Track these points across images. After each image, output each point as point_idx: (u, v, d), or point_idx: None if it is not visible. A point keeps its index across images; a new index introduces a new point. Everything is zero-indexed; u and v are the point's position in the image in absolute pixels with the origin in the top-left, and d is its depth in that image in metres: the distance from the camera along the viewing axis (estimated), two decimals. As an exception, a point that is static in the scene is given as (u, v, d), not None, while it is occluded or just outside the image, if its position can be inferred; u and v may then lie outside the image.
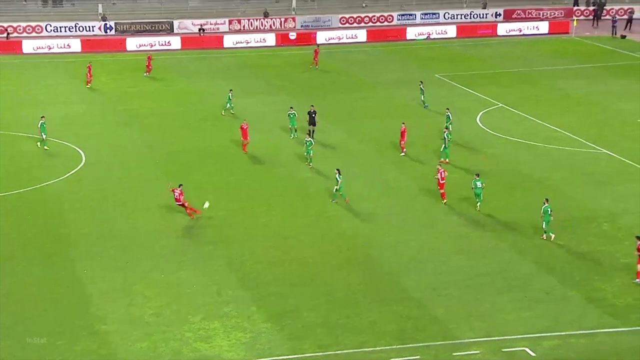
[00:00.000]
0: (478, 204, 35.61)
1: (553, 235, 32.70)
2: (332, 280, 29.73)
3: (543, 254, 31.58)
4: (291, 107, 45.73)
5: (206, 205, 34.85)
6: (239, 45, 71.15)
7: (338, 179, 36.22)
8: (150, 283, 29.56)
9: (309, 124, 44.31)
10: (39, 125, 43.12)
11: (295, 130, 44.85)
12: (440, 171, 36.43)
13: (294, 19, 77.75)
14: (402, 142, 42.04)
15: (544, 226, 32.76)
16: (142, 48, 69.20)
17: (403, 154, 42.07)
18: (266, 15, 78.17)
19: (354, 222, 34.72)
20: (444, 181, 36.23)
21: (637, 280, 29.06)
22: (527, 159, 41.70)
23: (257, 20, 77.13)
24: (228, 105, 49.80)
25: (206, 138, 45.89)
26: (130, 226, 34.41)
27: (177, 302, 28.24)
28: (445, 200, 36.28)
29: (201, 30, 74.10)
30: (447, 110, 45.20)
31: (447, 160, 40.68)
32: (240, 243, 32.80)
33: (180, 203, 34.97)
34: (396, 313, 27.47)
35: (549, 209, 32.60)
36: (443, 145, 41.26)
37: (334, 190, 36.44)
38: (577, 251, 31.76)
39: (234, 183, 39.33)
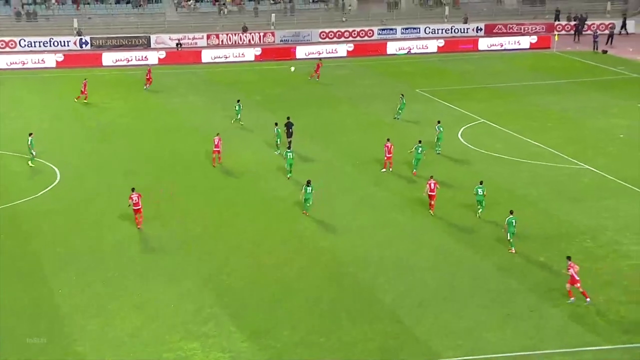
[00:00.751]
0: (479, 211, 36.24)
1: (514, 249, 33.12)
2: (311, 298, 29.79)
3: (525, 270, 31.80)
4: (276, 123, 46.09)
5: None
6: (217, 60, 71.31)
7: (306, 189, 36.61)
8: (127, 301, 29.48)
9: (287, 137, 45.27)
10: (28, 143, 42.93)
11: (278, 147, 45.03)
12: (429, 183, 36.91)
13: (273, 34, 78.04)
14: (387, 159, 42.28)
15: (508, 237, 33.20)
16: (118, 63, 69.22)
17: (384, 170, 42.32)
18: (245, 30, 78.41)
19: (334, 238, 34.84)
20: (434, 192, 36.73)
21: (571, 299, 29.22)
22: (508, 175, 42.02)
23: (235, 34, 77.37)
24: (239, 115, 50.75)
25: (183, 153, 45.90)
26: (106, 243, 34.32)
27: (154, 321, 28.18)
28: (432, 212, 36.85)
29: (179, 45, 74.21)
30: (437, 123, 45.84)
31: (415, 172, 41.62)
32: (218, 260, 32.81)
33: (139, 207, 35.05)
34: (376, 330, 27.55)
35: (514, 221, 33.08)
36: (415, 159, 41.92)
37: (304, 202, 36.87)
38: (559, 268, 31.96)
39: (211, 198, 39.36)
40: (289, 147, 42.44)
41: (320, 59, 67.19)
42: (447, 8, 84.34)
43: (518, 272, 31.71)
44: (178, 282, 30.97)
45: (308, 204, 37.00)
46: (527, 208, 37.76)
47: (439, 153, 45.01)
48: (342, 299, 29.73)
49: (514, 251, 33.17)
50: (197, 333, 27.42)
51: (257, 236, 35.07)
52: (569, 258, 29.75)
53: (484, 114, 52.94)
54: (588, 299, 29.06)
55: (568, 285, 29.33)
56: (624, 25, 78.87)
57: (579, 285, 29.08)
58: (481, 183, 36.97)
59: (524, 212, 37.26)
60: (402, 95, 52.95)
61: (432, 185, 36.85)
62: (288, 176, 41.48)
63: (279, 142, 45.28)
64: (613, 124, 51.21)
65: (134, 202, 35.38)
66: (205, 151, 45.27)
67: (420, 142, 41.71)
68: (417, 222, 36.39)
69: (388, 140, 42.62)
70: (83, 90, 56.80)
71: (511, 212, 33.51)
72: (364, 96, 58.88)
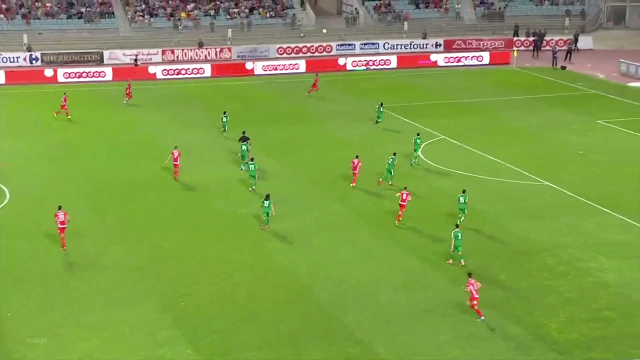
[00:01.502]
0: (460, 219, 37.06)
1: (463, 261, 33.72)
2: (272, 318, 29.72)
3: (485, 289, 31.99)
4: (247, 139, 46.37)
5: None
6: (173, 76, 71.15)
7: (264, 203, 36.92)
8: (79, 324, 29.14)
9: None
10: None
11: (246, 163, 45.04)
12: (402, 193, 37.83)
13: (229, 49, 78.09)
14: (355, 175, 42.95)
15: (452, 250, 33.76)
16: (70, 79, 68.73)
17: (353, 184, 42.91)
18: (201, 45, 78.38)
19: (296, 257, 34.83)
20: (405, 203, 37.55)
21: (481, 318, 29.56)
22: (468, 191, 42.35)
23: (191, 50, 77.28)
24: (225, 127, 51.62)
25: (139, 170, 45.70)
26: (57, 264, 33.94)
27: (108, 344, 27.89)
28: (397, 222, 37.61)
29: (135, 61, 73.90)
30: (417, 135, 46.89)
31: (390, 182, 42.63)
32: (174, 280, 32.59)
33: (64, 226, 34.77)
34: (339, 352, 27.56)
35: (459, 234, 33.55)
36: (388, 170, 42.92)
37: (266, 216, 37.15)
38: (520, 286, 32.32)
39: (169, 216, 39.16)
40: (251, 160, 42.81)
41: (316, 73, 67.46)
42: (405, 24, 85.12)
43: (480, 290, 31.88)
44: (134, 304, 30.69)
45: (265, 218, 37.23)
46: (487, 225, 38.15)
47: (412, 164, 46.24)
48: (305, 319, 29.69)
49: (456, 262, 33.81)
50: (152, 356, 27.18)
51: (217, 256, 34.92)
52: (469, 275, 30.09)
53: (445, 131, 53.43)
54: (482, 317, 29.40)
55: (470, 303, 29.66)
56: (575, 42, 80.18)
57: (475, 302, 29.44)
58: (464, 192, 38.04)
59: (483, 229, 37.69)
60: (381, 103, 55.28)
61: (404, 195, 37.75)
62: (252, 188, 41.97)
63: (245, 158, 45.32)
64: (573, 140, 51.98)
65: (60, 220, 34.97)
66: (164, 168, 45.10)
67: (394, 154, 43.03)
68: (381, 241, 36.53)
69: (357, 157, 43.21)
70: (63, 105, 56.43)
71: (457, 226, 34.29)
72: (324, 112, 59.12)
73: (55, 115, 56.46)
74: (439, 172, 45.75)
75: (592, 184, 43.84)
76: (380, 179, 43.18)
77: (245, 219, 38.89)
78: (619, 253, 35.10)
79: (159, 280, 32.64)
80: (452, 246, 33.93)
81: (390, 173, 42.95)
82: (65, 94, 57.47)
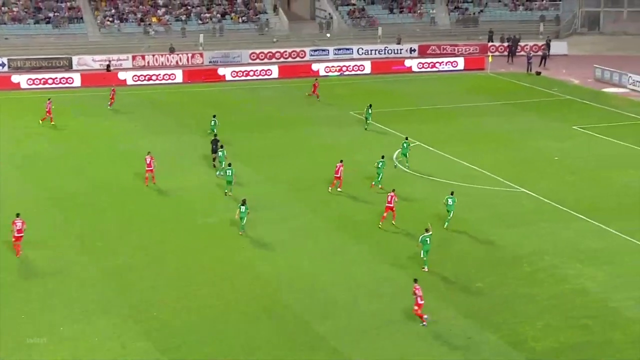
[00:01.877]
0: (447, 221, 37.79)
1: (426, 268, 33.97)
2: (244, 329, 29.56)
3: (462, 297, 32.13)
4: (222, 146, 46.37)
5: None
6: (143, 82, 70.78)
7: (240, 209, 37.07)
8: (48, 336, 28.80)
9: (212, 152, 46.94)
10: None
11: (223, 169, 44.86)
12: (389, 195, 38.37)
13: (201, 55, 77.86)
14: (336, 179, 43.26)
15: (422, 255, 33.87)
16: (38, 86, 68.16)
17: (340, 189, 43.26)
18: (172, 50, 78.08)
19: (271, 266, 34.70)
20: (391, 204, 38.00)
21: (424, 324, 29.73)
22: (443, 198, 42.43)
23: (162, 56, 76.97)
24: (214, 130, 51.54)
25: (110, 179, 45.38)
26: (23, 276, 33.56)
27: (78, 356, 27.61)
28: (381, 224, 38.09)
29: (108, 67, 73.44)
30: (405, 139, 47.60)
31: (381, 185, 43.12)
32: (145, 291, 32.35)
33: (21, 235, 34.52)
34: (313, 362, 27.52)
35: (427, 239, 33.71)
36: (378, 174, 43.55)
37: (241, 221, 37.23)
38: (497, 293, 32.41)
39: (139, 225, 38.91)
40: (229, 165, 42.98)
41: (316, 77, 67.38)
42: (380, 29, 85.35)
43: (455, 298, 32.00)
44: (104, 315, 30.42)
45: (243, 224, 37.31)
46: (463, 232, 38.24)
47: (395, 167, 47.02)
48: (277, 330, 29.57)
49: (426, 269, 33.93)
50: (123, 369, 26.98)
51: (188, 264, 34.72)
52: (415, 281, 30.22)
53: (419, 137, 53.53)
54: (424, 323, 29.65)
55: (414, 308, 29.83)
56: (548, 48, 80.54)
57: (417, 308, 29.64)
58: (452, 193, 38.59)
59: (460, 236, 37.79)
60: (370, 105, 55.98)
61: (390, 197, 38.19)
62: (229, 193, 42.14)
63: (221, 164, 45.27)
64: (548, 146, 52.28)
65: (17, 228, 34.71)
66: (135, 174, 44.85)
67: (383, 157, 43.98)
68: (355, 249, 36.52)
69: (341, 161, 43.48)
70: (48, 111, 55.98)
71: (426, 230, 34.44)
72: (298, 119, 59.06)
73: (40, 122, 55.99)
74: (414, 179, 45.82)
75: (568, 190, 44.11)
76: (373, 183, 43.56)
77: (219, 226, 38.72)
78: (596, 260, 35.31)
79: (127, 291, 32.36)
80: (422, 252, 34.13)
81: (379, 176, 43.49)
82: (49, 99, 57.06)
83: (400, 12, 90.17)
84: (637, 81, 67.81)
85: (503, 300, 31.89)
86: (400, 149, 47.53)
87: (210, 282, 33.26)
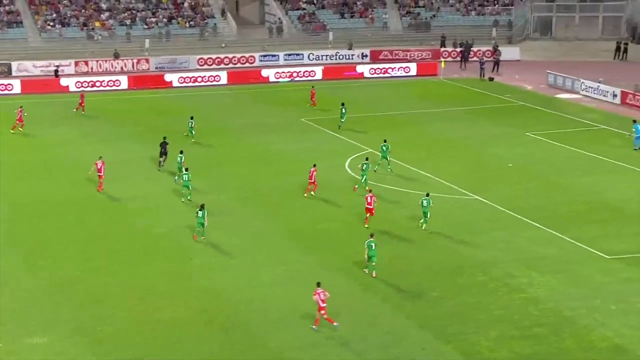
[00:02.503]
0: (423, 224, 39.06)
1: (374, 273, 34.43)
2: (194, 344, 29.44)
3: (415, 307, 32.36)
4: (181, 151, 46.37)
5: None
6: (87, 88, 70.11)
7: (198, 214, 37.32)
8: (-11, 355, 28.51)
9: (160, 155, 47.53)
10: None
11: (180, 174, 44.72)
12: (367, 196, 39.40)
13: (147, 60, 77.44)
14: (310, 184, 43.81)
15: (366, 260, 34.38)
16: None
17: (313, 194, 43.79)
18: (117, 56, 77.54)
19: (219, 279, 34.63)
20: (371, 206, 39.19)
21: (314, 327, 30.17)
22: (395, 206, 42.79)
23: (106, 61, 76.39)
24: (192, 132, 53.02)
25: (53, 189, 45.00)
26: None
27: (20, 375, 27.33)
28: (367, 225, 39.01)
29: (56, 72, 72.62)
30: (384, 142, 48.39)
31: (368, 187, 43.35)
32: (90, 305, 32.07)
33: None
34: (264, 377, 27.50)
35: (373, 244, 34.23)
36: (362, 176, 44.49)
37: (200, 227, 37.54)
38: (451, 303, 32.70)
39: (86, 237, 38.65)
40: (185, 169, 43.22)
41: (312, 85, 67.55)
42: (330, 34, 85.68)
43: (409, 308, 32.22)
44: (49, 330, 30.10)
45: (199, 229, 37.64)
46: (416, 240, 38.54)
47: (375, 170, 47.50)
48: (228, 344, 29.52)
49: (374, 275, 34.44)
50: (68, 386, 26.72)
51: (138, 277, 34.53)
52: (318, 284, 30.52)
53: (371, 144, 53.79)
54: (336, 324, 30.09)
55: (317, 314, 30.18)
56: (496, 53, 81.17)
57: (323, 312, 30.03)
58: (427, 195, 39.55)
59: (413, 245, 38.08)
60: (343, 104, 57.41)
61: (369, 198, 39.32)
62: (188, 199, 42.52)
63: (180, 170, 45.12)
64: (502, 153, 52.87)
65: None
66: (80, 184, 44.48)
67: (367, 159, 45.25)
68: (310, 259, 36.61)
69: (314, 165, 43.83)
70: (19, 118, 55.32)
71: (371, 235, 34.87)
72: (248, 126, 59.01)
73: (11, 130, 55.29)
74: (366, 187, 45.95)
75: (522, 197, 44.66)
76: (356, 186, 44.25)
77: (169, 236, 38.62)
78: (550, 268, 35.81)
79: (73, 306, 32.05)
80: (366, 255, 34.55)
81: (364, 178, 44.33)
82: (20, 107, 56.38)
83: (352, 16, 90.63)
84: (589, 87, 68.99)
85: (457, 309, 32.19)
86: (380, 152, 48.26)
87: (160, 294, 33.08)
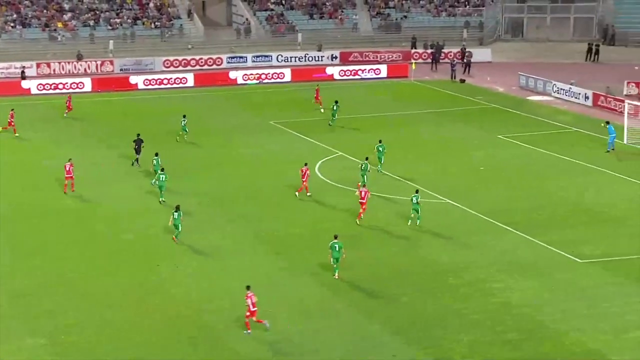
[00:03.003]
0: (416, 221, 40.15)
1: (337, 274, 34.57)
2: (159, 353, 29.20)
3: (387, 312, 32.32)
4: (157, 153, 46.46)
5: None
6: (49, 91, 69.47)
7: (174, 215, 37.80)
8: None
9: (136, 153, 48.28)
10: None
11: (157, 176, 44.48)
12: (361, 191, 40.54)
13: (111, 62, 76.94)
14: (304, 183, 44.13)
15: (331, 262, 34.52)
16: None
17: (309, 194, 44.11)
18: (80, 58, 76.95)
19: (186, 285, 34.44)
20: (364, 200, 40.19)
21: (248, 331, 30.28)
22: (369, 211, 42.71)
23: (69, 63, 75.78)
24: (185, 131, 53.52)
25: (20, 196, 44.65)
26: None
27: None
28: (359, 220, 40.20)
29: (22, 74, 71.89)
30: (379, 143, 48.96)
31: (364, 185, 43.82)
32: (56, 315, 31.77)
33: None
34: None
35: (337, 246, 34.44)
36: (362, 176, 45.09)
37: (176, 229, 37.88)
38: (423, 308, 32.70)
39: (53, 244, 38.34)
40: (162, 170, 43.61)
41: (317, 83, 67.40)
42: (299, 35, 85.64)
43: (381, 314, 32.17)
44: (13, 341, 29.78)
45: (179, 231, 37.91)
46: (388, 245, 38.54)
47: (379, 171, 48.19)
48: (198, 352, 29.34)
49: (337, 276, 34.52)
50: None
51: (106, 285, 34.24)
52: (248, 287, 30.56)
53: (342, 147, 53.83)
54: (267, 325, 30.24)
55: (248, 317, 30.28)
56: (463, 55, 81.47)
57: (249, 314, 30.16)
58: (417, 192, 40.63)
59: (385, 249, 38.07)
60: (336, 101, 58.13)
61: (363, 193, 40.38)
62: (162, 200, 42.77)
63: (156, 172, 45.02)
64: (474, 156, 53.03)
65: None
66: (44, 188, 44.09)
67: (367, 158, 45.96)
68: (281, 264, 36.59)
69: (305, 164, 44.26)
70: (10, 121, 54.93)
71: (335, 237, 34.92)
72: (216, 129, 58.78)
73: (1, 129, 54.91)
74: (338, 191, 45.94)
75: (495, 201, 44.80)
76: (359, 183, 43.81)
77: (136, 244, 38.31)
78: (523, 272, 35.93)
79: (39, 316, 31.73)
80: (331, 257, 34.68)
81: (363, 178, 44.64)
82: (12, 109, 55.89)
83: (321, 17, 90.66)
84: (561, 89, 69.48)
85: (429, 315, 32.21)
86: (376, 153, 48.46)
87: (127, 304, 32.81)
